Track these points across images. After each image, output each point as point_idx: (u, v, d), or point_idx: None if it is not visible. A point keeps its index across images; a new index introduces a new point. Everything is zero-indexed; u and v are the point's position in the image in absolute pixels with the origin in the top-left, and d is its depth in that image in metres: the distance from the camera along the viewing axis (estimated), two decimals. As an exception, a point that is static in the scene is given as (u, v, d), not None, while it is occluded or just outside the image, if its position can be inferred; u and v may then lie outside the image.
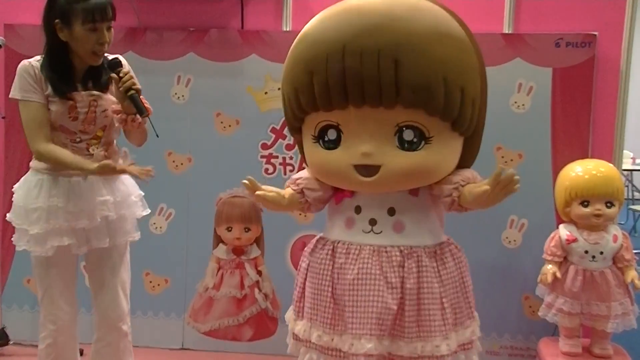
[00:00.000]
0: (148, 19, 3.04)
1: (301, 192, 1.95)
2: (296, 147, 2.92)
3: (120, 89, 2.05)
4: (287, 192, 1.96)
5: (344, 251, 1.86)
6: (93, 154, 2.15)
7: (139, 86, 2.07)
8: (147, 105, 2.10)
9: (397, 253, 1.82)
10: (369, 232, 1.86)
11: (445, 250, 1.91)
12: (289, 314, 2.05)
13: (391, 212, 1.86)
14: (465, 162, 1.91)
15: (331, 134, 1.80)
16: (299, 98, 1.79)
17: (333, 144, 1.80)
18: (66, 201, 2.11)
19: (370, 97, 1.68)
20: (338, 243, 1.89)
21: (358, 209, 1.89)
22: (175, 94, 3.03)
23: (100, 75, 2.14)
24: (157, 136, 2.08)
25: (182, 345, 3.11)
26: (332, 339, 1.86)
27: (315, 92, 1.73)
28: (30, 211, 2.11)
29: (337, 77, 1.67)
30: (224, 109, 3.02)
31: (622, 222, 6.21)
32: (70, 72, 2.11)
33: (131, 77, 2.07)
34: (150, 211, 2.34)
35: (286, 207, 1.99)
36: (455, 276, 1.90)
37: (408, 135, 1.74)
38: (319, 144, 1.84)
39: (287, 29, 2.97)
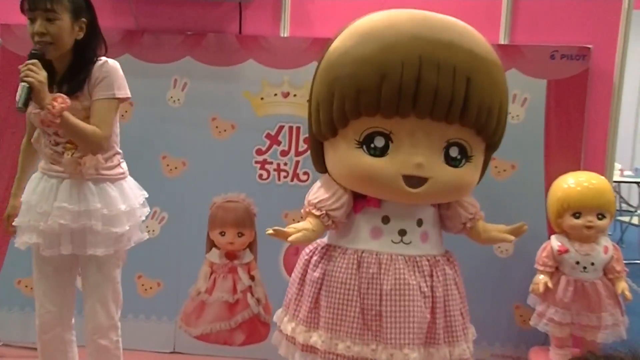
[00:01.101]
0: (146, 22, 3.04)
1: (326, 215, 1.93)
2: (290, 154, 2.95)
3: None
4: (313, 222, 1.93)
5: (374, 261, 1.87)
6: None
7: (32, 79, 1.91)
8: (56, 103, 1.93)
9: (426, 262, 1.89)
10: (399, 242, 1.89)
11: (452, 257, 2.01)
12: (289, 326, 2.03)
13: (419, 223, 1.92)
14: (479, 180, 2.01)
15: (378, 142, 1.80)
16: (360, 99, 1.76)
17: (379, 152, 1.81)
18: (38, 201, 2.13)
19: (438, 110, 1.71)
20: (363, 253, 1.89)
21: (386, 219, 1.90)
22: (171, 97, 3.03)
23: (74, 78, 2.08)
24: (18, 108, 1.91)
25: (174, 349, 3.10)
26: (362, 349, 1.86)
27: (383, 96, 1.72)
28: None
29: (410, 86, 1.69)
30: (219, 114, 3.02)
31: (610, 233, 6.24)
32: (50, 72, 2.04)
33: (27, 69, 1.92)
34: (128, 227, 2.16)
35: (316, 237, 1.97)
36: (461, 281, 2.01)
37: (453, 151, 1.81)
38: (363, 149, 1.83)
39: (285, 35, 2.98)
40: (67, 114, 1.97)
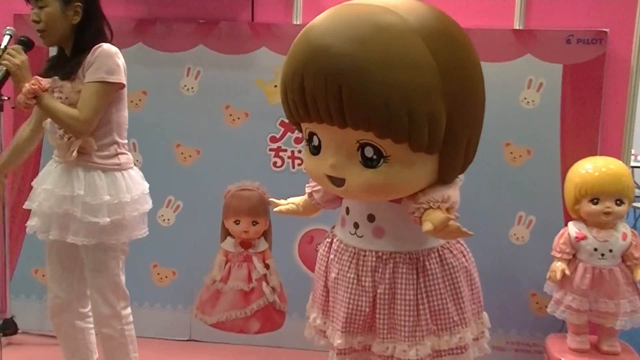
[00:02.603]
0: (158, 11, 3.04)
1: (311, 194, 2.05)
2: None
3: None
4: (303, 199, 2.11)
5: (336, 247, 1.94)
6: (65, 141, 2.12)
7: (8, 63, 2.00)
8: (28, 84, 2.00)
9: (373, 258, 1.85)
10: (354, 234, 1.90)
11: (431, 255, 1.86)
12: None
13: (370, 218, 1.88)
14: (445, 176, 1.81)
15: (315, 140, 1.81)
16: (283, 106, 1.82)
17: (316, 150, 1.82)
18: (38, 184, 2.19)
19: (324, 116, 1.68)
20: (334, 238, 1.98)
21: (347, 210, 1.94)
22: (185, 86, 3.03)
23: (69, 62, 2.11)
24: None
25: (190, 336, 3.12)
26: (324, 323, 1.98)
27: (289, 105, 1.75)
28: None
29: (299, 95, 1.68)
30: (233, 102, 3.01)
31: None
32: (63, 57, 2.14)
33: (7, 54, 2.02)
34: (108, 220, 2.10)
35: (304, 213, 2.13)
36: (439, 282, 1.85)
37: (368, 152, 1.72)
38: (309, 147, 1.85)
39: (298, 22, 2.96)
40: (45, 96, 2.03)
